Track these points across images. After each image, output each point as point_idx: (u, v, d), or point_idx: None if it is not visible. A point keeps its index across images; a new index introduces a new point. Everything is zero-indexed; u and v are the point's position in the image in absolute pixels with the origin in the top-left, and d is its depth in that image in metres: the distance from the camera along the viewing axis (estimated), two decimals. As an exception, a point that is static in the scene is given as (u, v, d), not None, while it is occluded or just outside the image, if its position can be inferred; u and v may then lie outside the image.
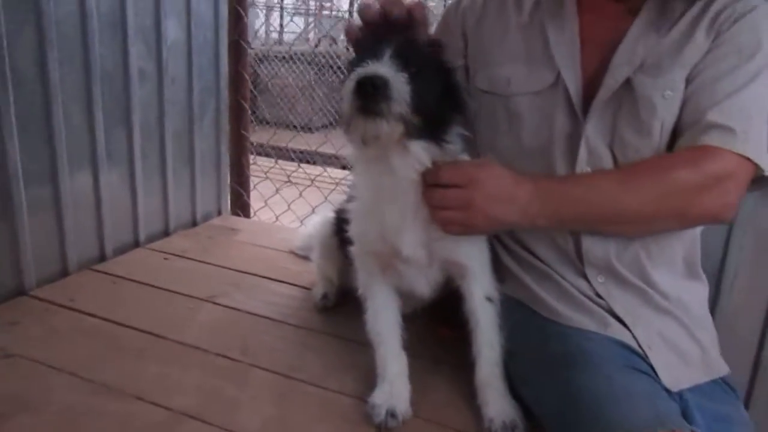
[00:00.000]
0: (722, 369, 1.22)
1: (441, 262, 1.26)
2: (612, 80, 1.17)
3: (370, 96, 0.99)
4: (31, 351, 1.40)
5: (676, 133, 1.17)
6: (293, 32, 10.08)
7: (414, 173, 1.14)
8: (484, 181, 1.12)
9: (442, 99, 1.11)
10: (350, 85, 1.01)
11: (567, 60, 1.22)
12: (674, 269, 1.25)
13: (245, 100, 2.60)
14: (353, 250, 1.33)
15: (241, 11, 2.49)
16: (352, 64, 1.07)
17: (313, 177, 3.30)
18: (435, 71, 1.11)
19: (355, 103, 1.01)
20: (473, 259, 1.26)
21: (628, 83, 1.16)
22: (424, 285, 1.31)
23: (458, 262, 1.25)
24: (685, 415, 1.09)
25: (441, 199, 1.13)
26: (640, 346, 1.16)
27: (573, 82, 1.21)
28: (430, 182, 1.14)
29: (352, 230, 1.29)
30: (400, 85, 1.00)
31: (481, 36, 1.37)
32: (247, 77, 2.58)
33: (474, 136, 1.31)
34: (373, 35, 1.08)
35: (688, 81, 1.14)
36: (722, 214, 1.13)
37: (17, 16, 1.57)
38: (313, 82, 8.09)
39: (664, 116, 1.15)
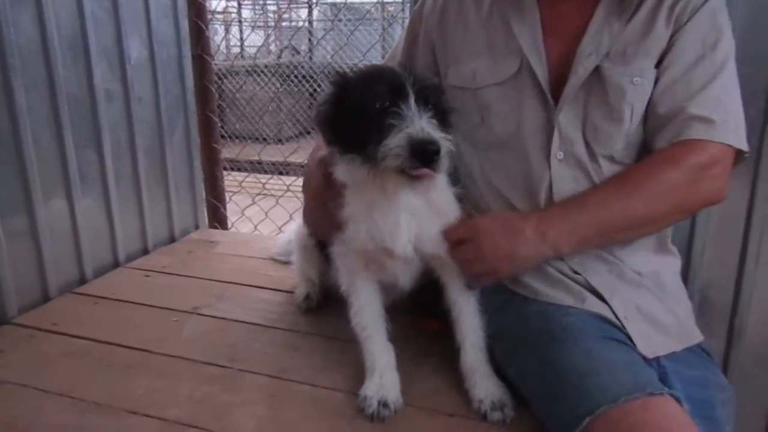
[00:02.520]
0: (697, 337, 1.28)
1: (423, 255, 1.29)
2: (582, 68, 1.22)
3: (428, 159, 1.05)
4: (18, 376, 1.39)
5: (652, 122, 1.22)
6: (254, 46, 10.05)
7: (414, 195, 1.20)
8: (485, 225, 1.22)
9: (444, 119, 1.18)
10: (402, 143, 1.05)
11: (531, 47, 1.27)
12: (647, 246, 1.31)
13: (213, 113, 2.61)
14: (335, 249, 1.35)
15: (202, 25, 2.50)
16: (371, 104, 1.10)
17: (287, 185, 3.32)
18: (440, 99, 1.18)
19: (410, 163, 1.05)
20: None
21: (596, 71, 1.22)
22: (407, 276, 1.35)
23: (439, 254, 1.29)
24: (663, 381, 1.13)
25: (462, 257, 1.22)
26: (617, 317, 1.20)
27: (539, 67, 1.26)
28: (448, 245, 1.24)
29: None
30: (446, 144, 1.06)
31: (444, 35, 1.41)
32: (213, 91, 2.59)
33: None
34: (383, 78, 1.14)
35: (659, 73, 1.20)
36: (717, 197, 1.21)
37: (-22, 44, 1.58)
38: (279, 93, 8.08)
39: (634, 102, 1.21)
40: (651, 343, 1.19)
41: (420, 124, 1.05)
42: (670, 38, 1.20)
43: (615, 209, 1.18)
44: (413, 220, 1.23)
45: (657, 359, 1.19)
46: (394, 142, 1.05)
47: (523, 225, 1.18)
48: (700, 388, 1.18)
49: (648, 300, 1.25)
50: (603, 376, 1.06)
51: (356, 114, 1.12)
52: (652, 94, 1.22)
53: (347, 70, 1.26)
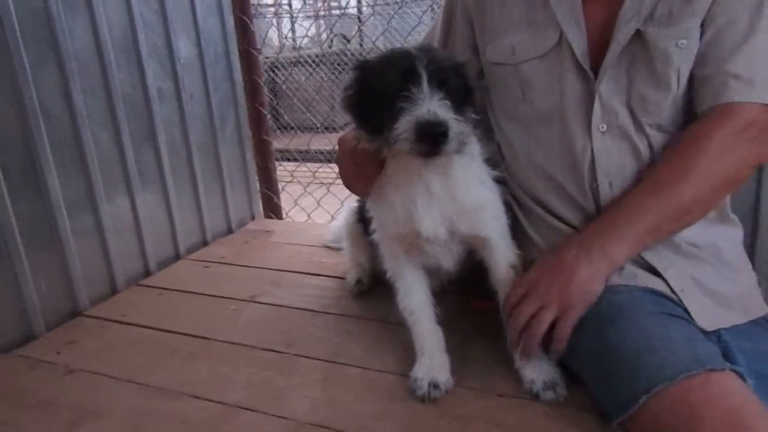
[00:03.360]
0: (762, 309, 1.21)
1: (462, 237, 1.29)
2: (621, 35, 1.17)
3: (434, 141, 1.05)
4: (91, 364, 1.48)
5: (694, 84, 1.17)
6: (305, 36, 10.11)
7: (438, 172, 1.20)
8: (535, 270, 1.21)
9: (465, 98, 1.16)
10: (408, 126, 1.05)
11: (569, 18, 1.23)
12: (705, 217, 1.25)
13: (263, 106, 2.66)
14: (376, 236, 1.37)
15: (247, 20, 2.54)
16: (384, 89, 1.10)
17: (337, 173, 3.34)
18: (458, 76, 1.15)
19: (418, 147, 1.06)
20: (492, 230, 1.29)
21: (638, 36, 1.16)
22: (449, 260, 1.35)
23: (478, 235, 1.28)
24: (726, 356, 1.08)
25: (523, 313, 1.17)
26: (672, 291, 1.16)
27: (577, 39, 1.21)
28: (507, 313, 1.22)
29: (375, 217, 1.35)
30: (456, 125, 1.06)
31: (482, 12, 1.38)
32: (261, 84, 2.64)
33: (483, 113, 1.35)
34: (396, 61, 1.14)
35: (703, 30, 1.14)
36: (763, 158, 1.16)
37: (38, 53, 1.66)
38: (330, 83, 8.11)
39: (680, 66, 1.15)
40: (710, 316, 1.14)
41: (428, 106, 1.05)
42: None
43: (660, 202, 1.13)
44: (440, 201, 1.22)
45: (718, 333, 1.14)
46: (402, 126, 1.05)
47: (568, 251, 1.17)
48: (766, 362, 1.12)
49: (706, 272, 1.20)
50: (660, 353, 1.02)
51: (373, 98, 1.13)
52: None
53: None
